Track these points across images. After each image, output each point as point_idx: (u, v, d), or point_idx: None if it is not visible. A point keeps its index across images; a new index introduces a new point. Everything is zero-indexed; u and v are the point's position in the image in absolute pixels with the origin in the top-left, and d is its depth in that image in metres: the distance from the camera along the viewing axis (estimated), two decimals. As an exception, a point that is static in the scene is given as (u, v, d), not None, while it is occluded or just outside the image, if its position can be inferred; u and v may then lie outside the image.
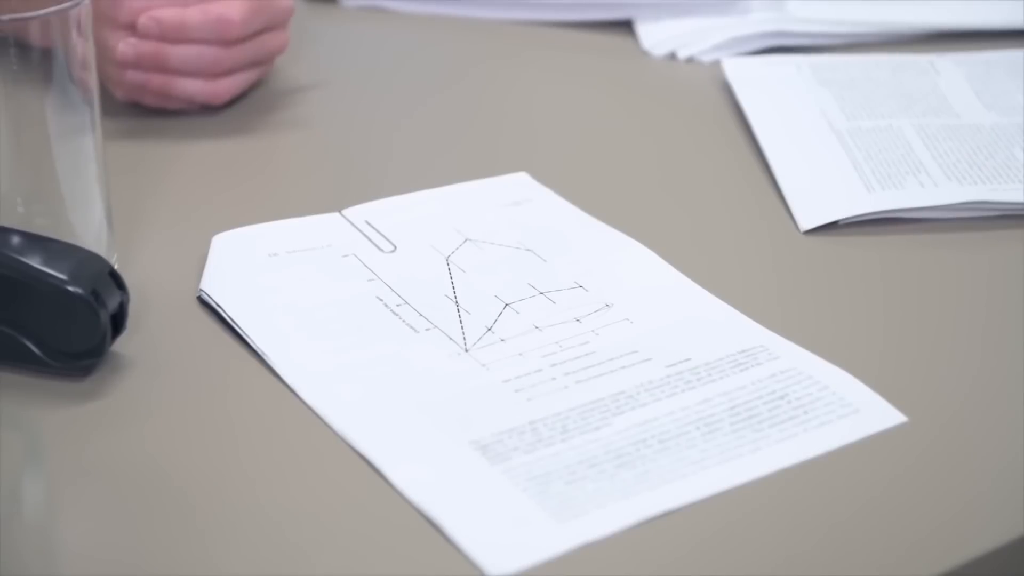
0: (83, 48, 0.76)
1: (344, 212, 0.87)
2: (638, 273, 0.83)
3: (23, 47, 0.74)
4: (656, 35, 1.12)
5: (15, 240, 0.73)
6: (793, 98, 1.02)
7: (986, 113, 1.00)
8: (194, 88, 0.97)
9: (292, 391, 0.73)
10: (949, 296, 0.83)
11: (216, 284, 0.80)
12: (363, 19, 1.14)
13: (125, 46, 0.94)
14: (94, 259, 0.74)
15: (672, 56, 1.10)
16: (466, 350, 0.76)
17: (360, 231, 0.86)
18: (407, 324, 0.78)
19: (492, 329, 0.78)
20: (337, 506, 0.67)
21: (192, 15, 0.95)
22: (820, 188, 0.91)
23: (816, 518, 0.67)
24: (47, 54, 0.75)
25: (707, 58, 1.09)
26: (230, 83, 0.98)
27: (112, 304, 0.73)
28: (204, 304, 0.79)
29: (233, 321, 0.77)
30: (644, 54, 1.11)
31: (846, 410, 0.73)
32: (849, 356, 0.76)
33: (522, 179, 0.92)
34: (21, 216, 0.77)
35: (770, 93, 1.02)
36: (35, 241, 0.73)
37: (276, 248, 0.84)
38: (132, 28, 0.95)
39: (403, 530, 0.66)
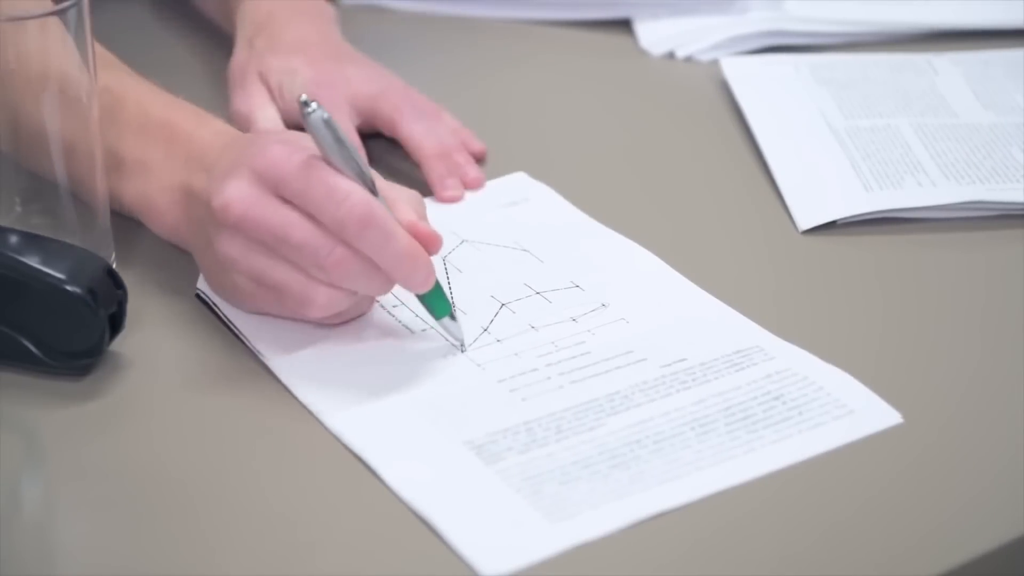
0: (81, 47, 0.76)
1: (342, 211, 0.87)
2: (634, 273, 0.83)
3: (21, 46, 0.74)
4: (654, 34, 1.12)
5: (13, 239, 0.73)
6: (791, 97, 1.02)
7: (984, 112, 1.00)
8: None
9: (288, 390, 0.73)
10: (946, 296, 0.83)
11: (213, 283, 0.80)
12: (361, 18, 1.14)
13: None
14: (92, 258, 0.74)
15: (670, 55, 1.10)
16: (462, 350, 0.76)
17: (358, 230, 0.86)
18: (403, 324, 0.78)
19: (488, 329, 0.78)
20: (332, 505, 0.67)
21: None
22: (818, 188, 0.91)
23: (812, 519, 0.67)
24: (45, 53, 0.75)
25: (705, 57, 1.09)
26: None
27: (110, 303, 0.73)
28: (202, 303, 0.79)
29: (230, 320, 0.77)
30: (642, 53, 1.10)
31: (842, 411, 0.73)
32: (846, 356, 0.76)
33: (519, 178, 0.92)
34: (19, 215, 0.77)
35: (768, 92, 1.02)
36: (33, 240, 0.73)
37: (274, 247, 0.84)
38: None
39: (397, 530, 0.66)
